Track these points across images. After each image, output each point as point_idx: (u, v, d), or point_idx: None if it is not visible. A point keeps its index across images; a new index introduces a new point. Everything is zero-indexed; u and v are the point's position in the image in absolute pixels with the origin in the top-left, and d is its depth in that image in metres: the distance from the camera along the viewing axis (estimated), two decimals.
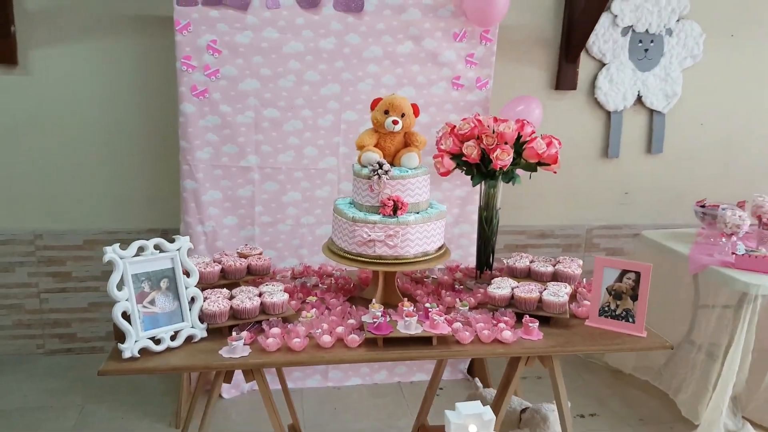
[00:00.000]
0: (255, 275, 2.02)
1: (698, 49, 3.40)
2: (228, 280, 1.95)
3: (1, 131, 3.02)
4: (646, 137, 3.51)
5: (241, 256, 2.05)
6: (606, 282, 1.86)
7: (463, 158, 1.98)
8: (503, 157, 1.89)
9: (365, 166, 1.85)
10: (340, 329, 1.72)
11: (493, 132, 1.95)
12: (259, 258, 2.04)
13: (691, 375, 2.79)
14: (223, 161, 2.79)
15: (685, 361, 2.86)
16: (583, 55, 3.31)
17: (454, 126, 2.03)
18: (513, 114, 2.79)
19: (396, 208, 1.79)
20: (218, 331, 1.71)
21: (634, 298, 1.83)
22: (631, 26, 3.32)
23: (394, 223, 1.79)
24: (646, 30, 3.33)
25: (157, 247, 1.65)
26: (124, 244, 1.61)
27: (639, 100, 3.42)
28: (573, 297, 1.99)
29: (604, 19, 3.25)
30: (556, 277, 2.00)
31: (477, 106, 2.92)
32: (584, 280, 2.08)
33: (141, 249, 1.63)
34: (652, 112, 3.47)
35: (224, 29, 2.65)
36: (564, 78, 3.32)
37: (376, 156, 1.85)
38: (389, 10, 2.76)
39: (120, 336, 1.56)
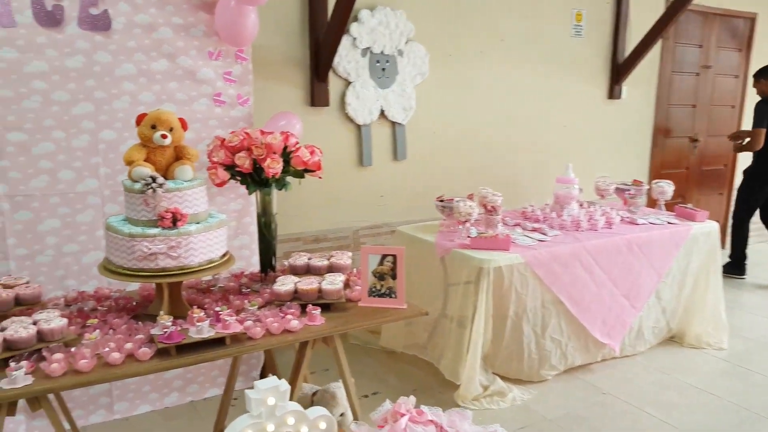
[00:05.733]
0: (24, 305, 1.88)
1: (425, 67, 3.99)
2: None
3: None
4: (392, 146, 4.00)
5: (6, 287, 1.89)
6: (371, 267, 2.15)
7: (237, 168, 2.10)
8: (274, 166, 2.06)
9: (137, 182, 1.86)
10: (129, 345, 1.71)
11: (261, 143, 2.11)
12: (27, 287, 1.90)
13: (449, 344, 3.24)
14: None
15: (443, 332, 3.31)
16: (331, 74, 3.64)
17: (224, 139, 2.14)
18: (276, 128, 2.95)
19: (175, 219, 1.84)
20: None
21: (394, 277, 2.15)
22: (369, 48, 3.74)
23: (176, 234, 1.84)
24: (382, 51, 3.79)
25: None
26: None
27: (382, 113, 3.87)
28: (347, 284, 2.25)
29: (346, 41, 3.62)
30: (331, 269, 2.24)
31: (241, 121, 3.03)
32: (354, 270, 2.36)
33: None
34: (394, 124, 3.96)
35: None
36: (317, 95, 3.62)
37: (147, 170, 1.87)
38: (139, 29, 2.73)
39: None
